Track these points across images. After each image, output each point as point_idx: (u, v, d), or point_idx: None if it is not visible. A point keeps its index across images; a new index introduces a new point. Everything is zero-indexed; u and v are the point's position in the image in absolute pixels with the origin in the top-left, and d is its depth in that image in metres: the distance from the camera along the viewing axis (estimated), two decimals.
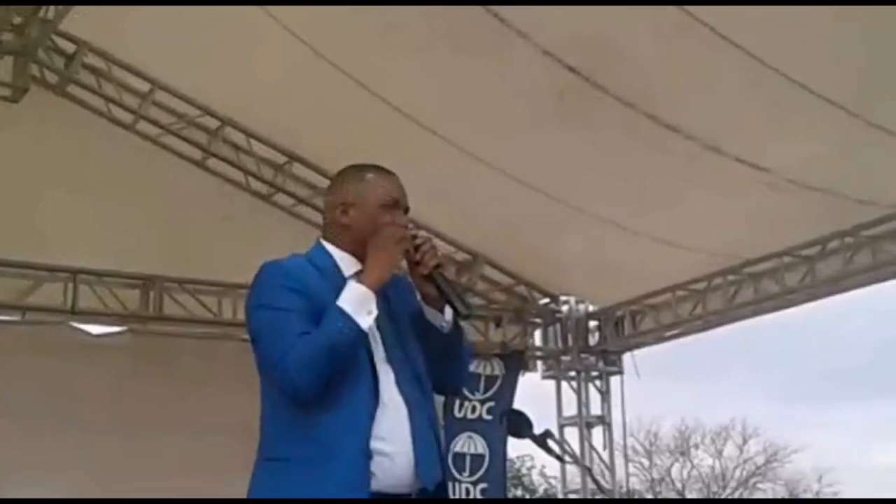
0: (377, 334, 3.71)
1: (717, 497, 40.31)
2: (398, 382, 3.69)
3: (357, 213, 3.81)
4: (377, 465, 3.58)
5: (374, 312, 3.62)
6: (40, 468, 9.11)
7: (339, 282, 3.73)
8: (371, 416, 3.60)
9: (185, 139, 9.74)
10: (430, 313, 3.81)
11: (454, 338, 3.86)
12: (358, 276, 3.75)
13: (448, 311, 3.81)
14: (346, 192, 3.87)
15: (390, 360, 3.70)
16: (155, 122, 9.60)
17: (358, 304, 3.61)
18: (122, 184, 9.40)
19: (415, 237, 3.79)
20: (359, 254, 3.78)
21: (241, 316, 9.72)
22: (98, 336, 9.84)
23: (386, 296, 3.75)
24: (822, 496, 38.45)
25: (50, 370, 9.22)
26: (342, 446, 3.56)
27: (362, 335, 3.61)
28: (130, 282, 9.73)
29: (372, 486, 3.56)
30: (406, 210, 3.88)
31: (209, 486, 9.27)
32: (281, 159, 10.00)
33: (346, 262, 3.80)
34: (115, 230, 9.28)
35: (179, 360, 9.93)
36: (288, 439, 3.64)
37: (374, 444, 3.58)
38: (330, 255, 3.82)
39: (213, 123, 9.73)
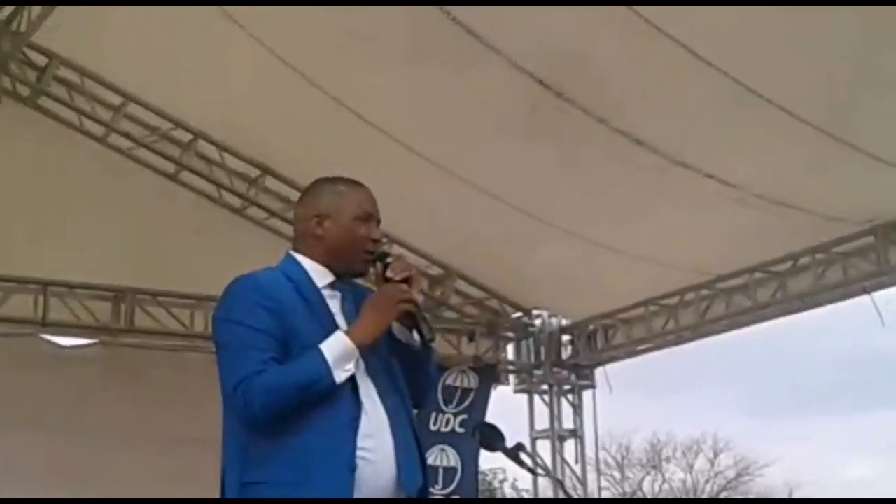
0: None
1: None
2: (378, 391, 3.71)
3: (332, 224, 3.83)
4: (360, 473, 3.58)
5: (351, 371, 3.63)
6: (9, 479, 9.07)
7: (313, 294, 3.75)
8: (356, 429, 3.60)
9: (158, 152, 9.73)
10: (399, 331, 3.83)
11: (423, 354, 3.89)
12: (331, 286, 3.79)
13: (412, 336, 3.84)
14: (319, 203, 3.88)
15: (368, 369, 3.70)
16: (127, 135, 9.60)
17: (340, 358, 3.62)
18: (95, 196, 9.40)
19: (410, 279, 3.80)
20: (332, 265, 3.82)
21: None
22: (69, 348, 9.82)
23: (358, 307, 3.77)
24: None
25: (20, 382, 9.18)
26: (326, 466, 3.56)
27: (333, 388, 3.60)
28: (102, 293, 9.71)
29: (354, 496, 3.57)
30: (378, 222, 3.90)
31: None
32: (254, 172, 10.00)
33: (319, 274, 3.81)
34: (87, 242, 9.28)
35: (151, 373, 9.91)
36: (265, 461, 3.61)
37: (358, 454, 3.59)
38: (302, 267, 3.83)
39: (185, 136, 9.73)
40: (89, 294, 9.66)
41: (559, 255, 9.81)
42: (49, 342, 9.70)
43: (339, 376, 3.60)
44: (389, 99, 8.46)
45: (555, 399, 11.51)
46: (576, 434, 11.49)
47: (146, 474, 9.40)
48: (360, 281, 3.95)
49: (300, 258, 3.86)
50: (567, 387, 11.58)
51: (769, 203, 8.32)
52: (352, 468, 3.57)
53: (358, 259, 3.84)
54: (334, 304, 3.79)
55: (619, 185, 8.63)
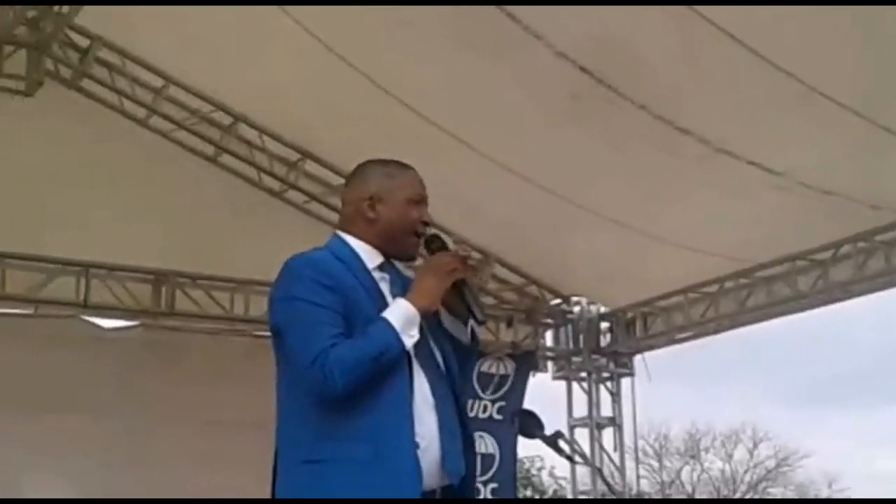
0: None
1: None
2: (426, 376, 3.72)
3: (384, 207, 3.84)
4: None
5: (416, 337, 3.65)
6: (51, 460, 9.16)
7: (363, 274, 3.77)
8: (412, 410, 3.62)
9: (198, 135, 9.80)
10: (450, 324, 3.86)
11: (470, 350, 3.92)
12: (381, 268, 3.82)
13: (468, 327, 3.87)
14: (370, 185, 3.89)
15: (417, 354, 3.72)
16: (168, 118, 9.66)
17: (406, 323, 3.65)
18: (135, 179, 9.46)
19: (466, 259, 3.85)
20: (382, 247, 3.84)
21: (252, 312, 9.92)
22: (109, 330, 9.90)
23: (406, 291, 3.78)
24: None
25: (61, 363, 9.27)
26: (393, 443, 3.58)
27: (405, 355, 3.64)
28: (142, 276, 9.81)
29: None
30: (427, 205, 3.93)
31: (218, 483, 9.35)
32: (294, 156, 10.04)
33: (369, 255, 3.83)
34: (128, 225, 9.33)
35: (190, 356, 9.97)
36: (328, 439, 3.61)
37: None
38: (351, 248, 3.84)
39: (225, 119, 9.78)
40: (130, 276, 9.76)
41: (599, 243, 9.81)
42: (90, 324, 9.78)
43: (408, 342, 3.63)
44: (432, 86, 8.48)
45: (593, 387, 11.52)
46: (614, 422, 11.49)
47: (185, 456, 9.47)
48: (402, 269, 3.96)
49: (349, 239, 3.87)
50: (606, 374, 11.58)
51: (812, 191, 8.29)
52: (416, 446, 3.59)
53: (410, 242, 3.85)
54: (384, 286, 3.80)
55: (661, 172, 8.61)
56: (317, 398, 3.61)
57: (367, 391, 3.59)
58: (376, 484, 3.55)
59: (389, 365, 3.61)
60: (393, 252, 3.86)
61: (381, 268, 3.82)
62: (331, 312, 3.64)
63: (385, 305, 3.71)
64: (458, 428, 3.78)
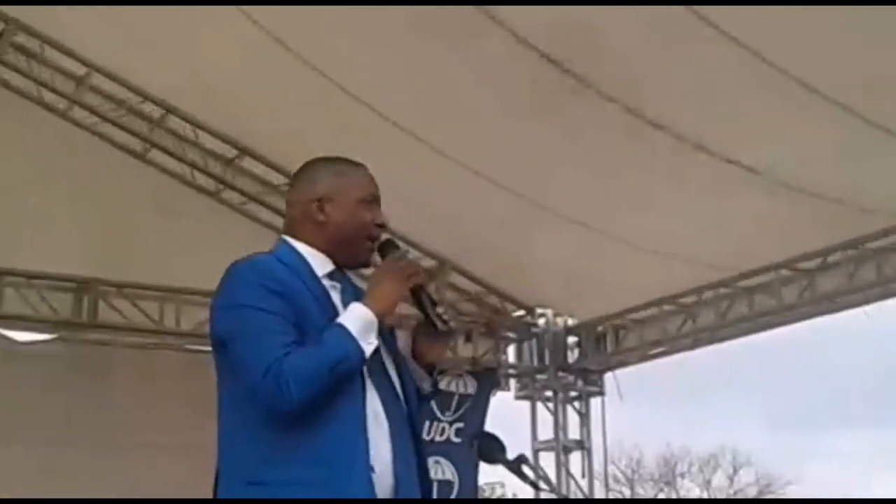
0: None
1: None
2: (379, 394, 3.73)
3: (334, 209, 3.84)
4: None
5: (374, 343, 3.68)
6: None
7: (312, 281, 3.77)
8: (366, 431, 3.63)
9: (125, 128, 9.77)
10: (414, 370, 3.89)
11: (427, 398, 3.96)
12: (331, 276, 3.82)
13: (428, 380, 3.91)
14: (319, 186, 3.89)
15: (370, 372, 3.73)
16: (91, 109, 9.63)
17: (364, 329, 3.66)
18: (55, 176, 9.43)
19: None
20: (333, 253, 3.84)
21: (185, 324, 9.89)
22: (25, 344, 9.84)
23: (358, 298, 3.79)
24: None
25: None
26: (346, 467, 3.59)
27: (363, 361, 3.65)
28: (62, 284, 9.73)
29: None
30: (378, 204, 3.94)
31: None
32: (230, 152, 10.03)
33: (318, 261, 3.83)
34: (46, 227, 9.29)
35: (116, 373, 9.93)
36: (276, 461, 3.62)
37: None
38: (299, 253, 3.84)
39: (155, 111, 9.76)
40: (48, 285, 9.67)
41: (566, 248, 9.83)
42: (3, 337, 9.72)
43: (367, 349, 3.64)
44: (383, 75, 8.48)
45: (560, 407, 11.54)
46: (582, 445, 11.52)
47: (110, 483, 9.41)
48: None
49: (296, 244, 3.87)
50: (573, 393, 11.61)
51: (797, 193, 8.34)
52: (371, 469, 3.60)
53: (363, 246, 3.87)
54: (335, 295, 3.80)
55: (633, 171, 8.65)
56: (268, 413, 3.60)
57: (319, 408, 3.59)
58: None
59: (347, 374, 3.62)
60: (344, 258, 3.86)
61: (331, 275, 3.83)
62: (281, 319, 3.63)
63: (336, 316, 3.70)
64: (412, 454, 3.78)
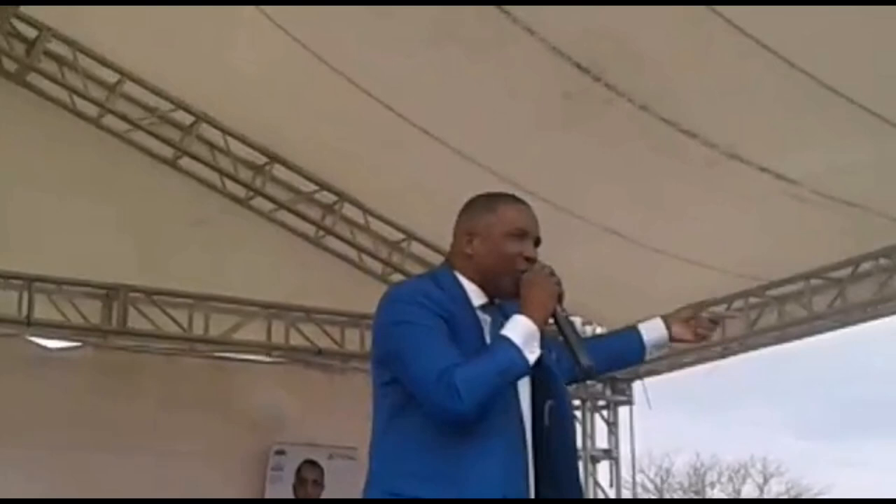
0: None
1: None
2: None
3: (480, 243, 4.02)
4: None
5: (537, 352, 3.80)
6: None
7: (468, 310, 3.93)
8: (508, 459, 3.83)
9: (156, 136, 9.76)
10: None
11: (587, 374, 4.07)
12: (484, 309, 3.97)
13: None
14: (474, 221, 4.07)
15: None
16: (123, 117, 9.63)
17: (527, 337, 3.79)
18: (86, 183, 9.43)
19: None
20: (483, 285, 3.99)
21: (213, 331, 9.89)
22: (55, 350, 9.85)
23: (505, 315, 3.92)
24: None
25: (2, 387, 9.22)
26: (479, 490, 3.75)
27: (529, 371, 3.79)
28: (92, 291, 9.71)
29: None
30: (537, 242, 4.08)
31: None
32: (260, 160, 10.02)
33: (474, 292, 3.99)
34: (77, 234, 9.29)
35: (144, 379, 9.95)
36: (421, 476, 3.79)
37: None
38: (459, 283, 3.99)
39: (186, 119, 9.76)
40: (78, 291, 9.66)
41: (595, 256, 9.78)
42: (34, 344, 9.74)
43: (530, 357, 3.76)
44: (412, 83, 8.45)
45: (588, 415, 11.49)
46: (610, 455, 11.47)
47: (139, 489, 9.42)
48: None
49: (456, 273, 4.02)
50: (601, 402, 11.56)
51: (829, 201, 8.28)
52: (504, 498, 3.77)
53: (508, 280, 3.97)
54: (485, 328, 3.93)
55: (664, 179, 8.60)
56: (444, 423, 3.72)
57: (471, 429, 3.74)
58: None
59: (514, 381, 3.79)
60: (492, 289, 4.01)
61: (483, 308, 3.97)
62: (445, 337, 3.79)
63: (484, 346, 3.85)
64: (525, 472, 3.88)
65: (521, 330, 3.78)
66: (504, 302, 4.03)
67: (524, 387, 3.88)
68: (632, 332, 4.47)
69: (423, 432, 3.77)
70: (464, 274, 3.99)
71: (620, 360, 4.52)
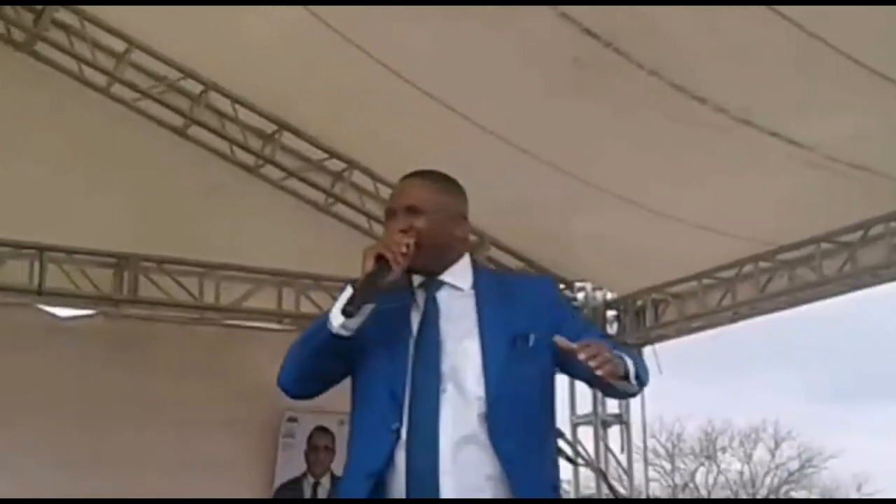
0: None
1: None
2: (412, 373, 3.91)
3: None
4: None
5: (342, 317, 3.79)
6: (1, 463, 9.16)
7: (408, 295, 4.02)
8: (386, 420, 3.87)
9: (165, 104, 9.75)
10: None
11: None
12: (426, 286, 4.03)
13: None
14: None
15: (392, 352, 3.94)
16: (132, 86, 9.62)
17: (339, 301, 3.83)
18: (95, 153, 9.42)
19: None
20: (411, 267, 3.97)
21: (224, 299, 9.90)
22: (67, 319, 9.87)
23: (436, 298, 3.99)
24: None
25: (13, 356, 9.26)
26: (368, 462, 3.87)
27: (331, 334, 3.82)
28: (103, 260, 9.70)
29: None
30: (410, 209, 4.00)
31: (188, 487, 9.35)
32: (270, 128, 10.01)
33: (416, 276, 4.05)
34: (87, 203, 9.29)
35: (156, 348, 9.98)
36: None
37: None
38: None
39: (195, 88, 9.75)
40: (89, 260, 9.65)
41: (605, 222, 9.79)
42: (45, 313, 9.76)
43: (334, 321, 3.82)
44: (423, 52, 8.43)
45: None
46: (621, 420, 11.47)
47: (150, 458, 9.48)
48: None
49: None
50: None
51: (839, 165, 8.26)
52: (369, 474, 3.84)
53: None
54: (420, 305, 4.00)
55: (674, 145, 8.59)
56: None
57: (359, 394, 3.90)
58: None
59: (316, 344, 3.85)
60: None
61: (424, 286, 4.03)
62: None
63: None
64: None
65: (341, 297, 3.84)
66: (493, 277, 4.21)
67: (401, 358, 3.88)
68: None
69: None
70: None
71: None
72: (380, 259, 3.82)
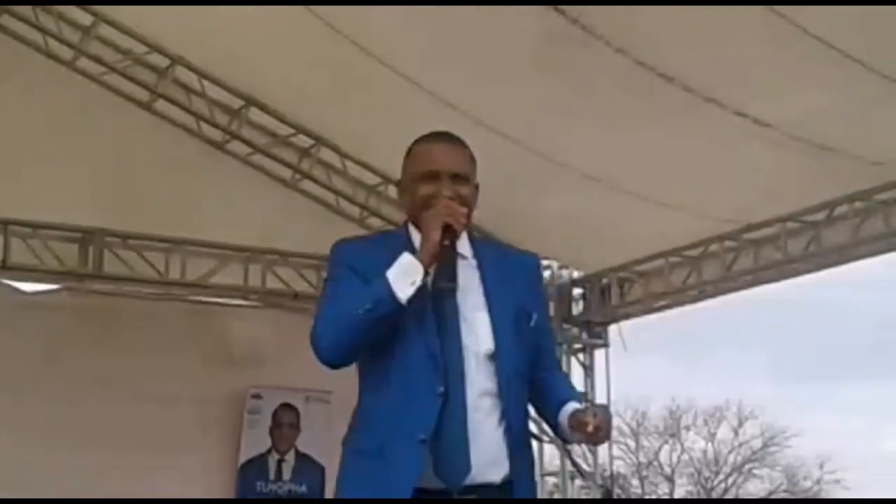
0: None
1: (708, 481, 40.56)
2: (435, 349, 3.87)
3: (402, 193, 4.08)
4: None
5: (418, 283, 3.75)
6: None
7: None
8: (416, 395, 3.82)
9: (131, 78, 9.71)
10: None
11: None
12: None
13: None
14: (402, 171, 4.10)
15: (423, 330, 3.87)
16: (97, 60, 9.57)
17: (402, 273, 3.75)
18: (60, 127, 9.37)
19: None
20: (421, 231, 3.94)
21: (190, 275, 9.87)
22: (31, 294, 9.83)
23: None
24: (823, 483, 38.84)
25: None
26: (394, 433, 3.81)
27: (398, 306, 3.74)
28: (68, 235, 9.67)
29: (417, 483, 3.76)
30: (456, 177, 3.98)
31: (154, 463, 9.33)
32: (237, 103, 9.97)
33: (419, 240, 3.94)
34: (52, 178, 9.24)
35: (121, 323, 9.93)
36: (354, 427, 3.94)
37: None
38: (410, 238, 3.98)
39: (162, 62, 9.70)
40: (54, 235, 9.61)
41: (571, 200, 9.79)
42: (10, 287, 9.72)
43: (400, 293, 3.73)
44: (390, 28, 8.40)
45: (564, 358, 11.50)
46: (586, 397, 11.50)
47: (116, 432, 9.44)
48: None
49: (410, 226, 4.03)
50: (578, 345, 11.59)
51: (805, 145, 8.29)
52: (421, 440, 3.75)
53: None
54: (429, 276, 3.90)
55: (640, 123, 8.58)
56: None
57: (377, 372, 3.84)
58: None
59: (379, 317, 3.73)
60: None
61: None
62: (343, 282, 3.90)
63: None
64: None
65: (398, 267, 3.76)
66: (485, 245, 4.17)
67: (430, 325, 3.84)
68: (561, 405, 4.04)
69: (363, 379, 3.92)
70: (414, 226, 3.99)
71: (544, 411, 4.15)
72: (447, 229, 3.84)
